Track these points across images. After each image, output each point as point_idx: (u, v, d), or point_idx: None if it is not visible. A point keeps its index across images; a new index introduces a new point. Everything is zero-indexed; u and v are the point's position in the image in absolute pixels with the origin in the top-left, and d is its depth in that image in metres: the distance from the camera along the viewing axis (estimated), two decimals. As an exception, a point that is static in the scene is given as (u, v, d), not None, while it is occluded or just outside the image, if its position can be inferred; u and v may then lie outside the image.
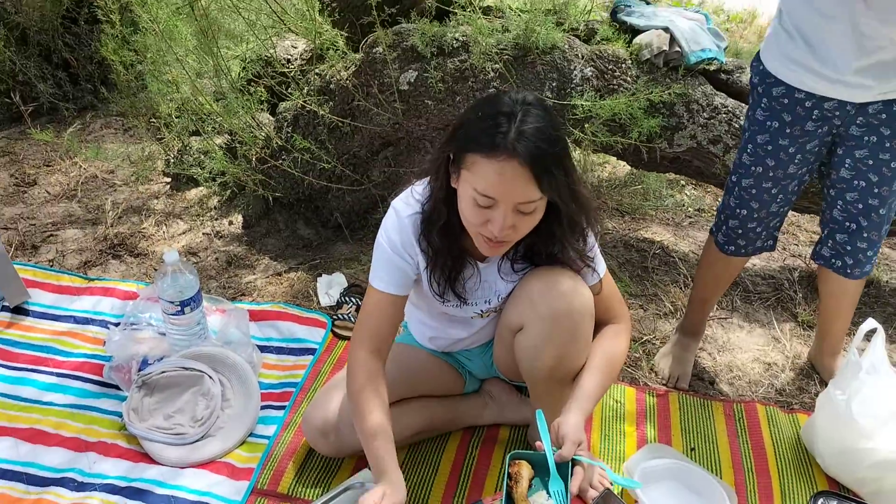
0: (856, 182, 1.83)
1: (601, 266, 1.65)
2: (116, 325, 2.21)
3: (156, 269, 2.55)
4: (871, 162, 1.79)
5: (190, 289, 1.98)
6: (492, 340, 1.84)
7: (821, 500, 1.69)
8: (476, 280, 1.64)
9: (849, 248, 1.93)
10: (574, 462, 1.47)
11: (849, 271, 1.96)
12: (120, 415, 1.92)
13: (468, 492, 1.79)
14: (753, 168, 1.90)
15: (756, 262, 2.75)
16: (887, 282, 2.71)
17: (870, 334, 1.86)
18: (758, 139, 1.87)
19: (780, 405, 2.11)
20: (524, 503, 1.46)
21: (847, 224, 1.90)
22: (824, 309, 2.13)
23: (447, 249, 1.57)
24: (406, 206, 1.59)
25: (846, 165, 1.83)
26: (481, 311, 1.70)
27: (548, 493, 1.47)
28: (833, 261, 1.98)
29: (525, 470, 1.50)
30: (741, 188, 1.94)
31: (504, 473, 1.49)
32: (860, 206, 1.86)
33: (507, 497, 1.47)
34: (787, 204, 1.96)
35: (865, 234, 1.89)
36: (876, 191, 1.82)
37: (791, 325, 2.45)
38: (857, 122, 1.77)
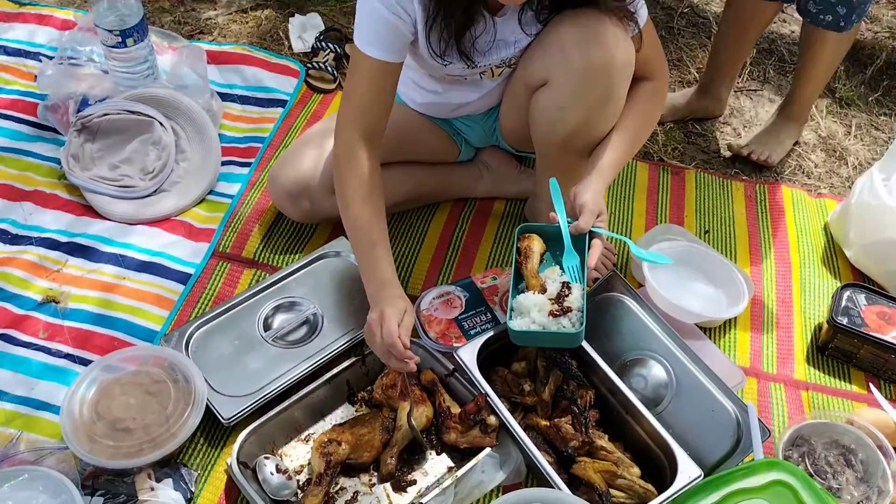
0: None
1: (643, 12, 1.32)
2: (51, 59, 1.88)
3: (98, -3, 2.16)
4: None
5: (133, 16, 1.63)
6: (499, 105, 1.54)
7: (847, 293, 1.51)
8: (489, 37, 1.31)
9: None
10: (592, 235, 1.26)
11: (842, 24, 1.69)
12: (59, 161, 1.66)
13: (455, 268, 1.59)
14: None
15: (795, 28, 2.40)
16: (940, 59, 2.38)
17: (935, 112, 1.59)
18: None
19: (807, 188, 1.89)
20: (535, 279, 1.27)
21: None
22: (799, 68, 1.87)
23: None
24: None
25: None
26: (492, 66, 1.39)
27: (561, 268, 1.28)
28: (820, 16, 1.69)
29: (536, 244, 1.29)
30: None
31: (513, 248, 1.29)
32: None
33: (515, 273, 1.27)
34: None
35: None
36: None
37: (827, 101, 2.17)
38: None
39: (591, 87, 1.28)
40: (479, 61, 1.34)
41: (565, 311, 1.22)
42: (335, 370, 1.33)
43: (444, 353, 1.36)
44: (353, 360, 1.35)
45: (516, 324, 1.23)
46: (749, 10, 1.84)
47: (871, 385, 1.44)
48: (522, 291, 1.27)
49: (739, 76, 2.22)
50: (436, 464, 1.29)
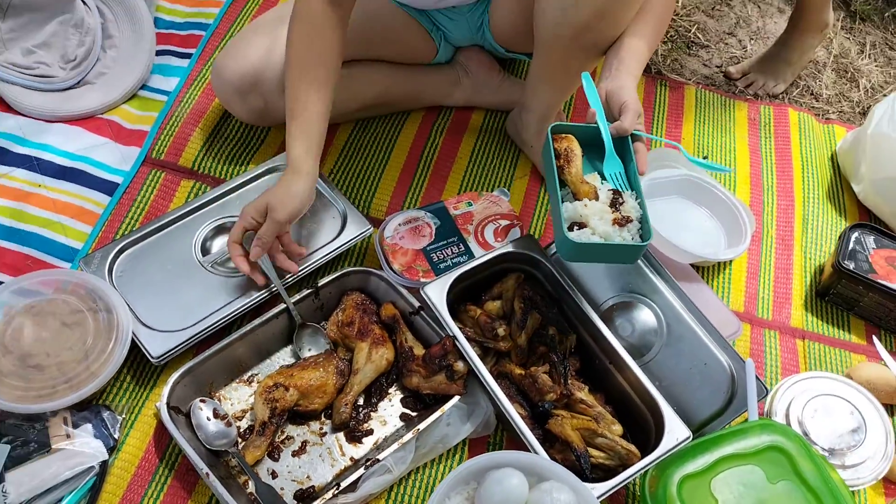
0: None
1: None
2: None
3: None
4: None
5: None
6: None
7: (856, 235, 1.38)
8: None
9: None
10: (634, 138, 1.09)
11: None
12: (-38, 43, 1.41)
13: (425, 190, 1.41)
14: None
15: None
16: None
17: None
18: None
19: (815, 112, 1.72)
20: (585, 185, 1.08)
21: None
22: None
23: None
24: None
25: None
26: None
27: (602, 176, 1.10)
28: None
29: (576, 146, 1.10)
30: None
31: (550, 150, 1.09)
32: None
33: (554, 180, 1.07)
34: None
35: None
36: None
37: (842, 14, 1.97)
38: None
39: None
40: None
41: (626, 221, 1.05)
42: (283, 305, 1.16)
43: (408, 289, 1.20)
44: (306, 292, 1.18)
45: (575, 235, 1.04)
46: None
47: (873, 337, 1.33)
48: (566, 201, 1.09)
49: (748, -19, 2.00)
50: (393, 413, 1.15)
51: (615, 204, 1.07)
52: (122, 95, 1.41)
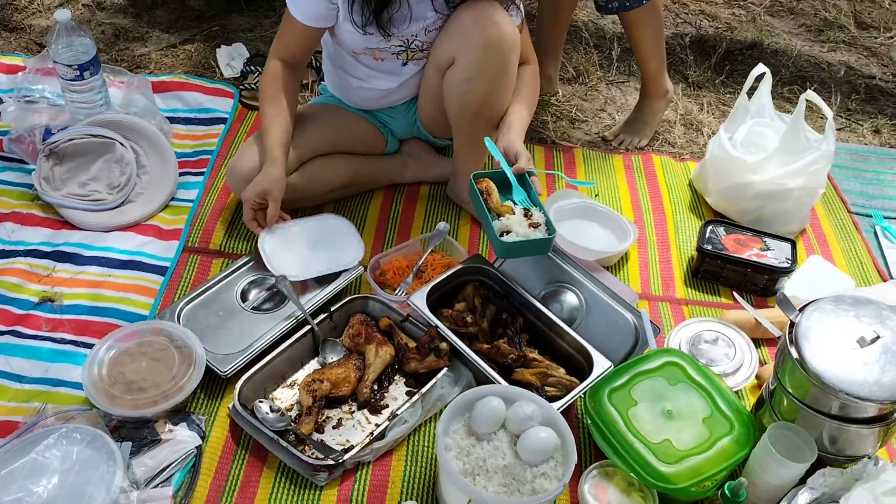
0: None
1: (521, 9, 1.68)
2: (2, 102, 2.06)
3: (36, 43, 2.35)
4: None
5: (87, 52, 1.85)
6: (416, 97, 1.86)
7: (710, 227, 1.90)
8: (405, 12, 1.62)
9: None
10: (529, 174, 1.60)
11: (627, 4, 2.05)
12: (29, 186, 1.85)
13: (395, 240, 1.89)
14: None
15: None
16: (768, 44, 2.88)
17: (758, 79, 2.01)
18: None
19: (672, 155, 2.29)
20: (504, 206, 1.57)
21: None
22: (635, 51, 2.23)
23: None
24: None
25: None
26: (407, 44, 1.70)
27: (513, 202, 1.59)
28: (608, 5, 2.06)
29: (491, 184, 1.59)
30: None
31: (475, 190, 1.57)
32: None
33: (482, 210, 1.55)
34: None
35: None
36: None
37: (682, 85, 2.60)
38: None
39: (490, 59, 1.62)
40: (395, 33, 1.65)
41: (537, 225, 1.54)
42: (308, 327, 1.58)
43: (396, 305, 1.64)
44: (323, 316, 1.61)
45: (506, 238, 1.51)
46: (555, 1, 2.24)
47: (734, 294, 1.82)
48: (494, 220, 1.55)
49: (608, 71, 2.63)
50: (400, 392, 1.56)
51: (527, 215, 1.57)
52: (158, 207, 1.86)
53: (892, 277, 1.94)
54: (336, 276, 1.67)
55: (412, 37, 1.68)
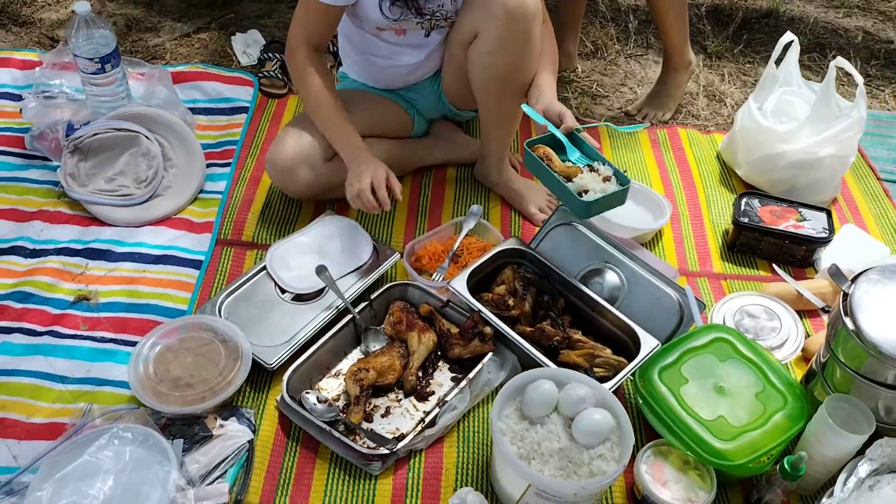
0: None
1: None
2: (20, 98, 2.03)
3: (48, 37, 2.31)
4: None
5: (108, 44, 1.82)
6: (440, 71, 1.84)
7: (745, 200, 1.88)
8: None
9: None
10: (577, 131, 1.59)
11: None
12: (55, 183, 1.82)
13: (427, 225, 1.87)
14: None
15: None
16: (784, 11, 2.85)
17: (786, 48, 1.98)
18: None
19: (697, 128, 2.27)
20: (570, 168, 1.56)
21: None
22: (657, 25, 2.21)
23: None
24: None
25: None
26: (432, 13, 1.66)
27: (571, 162, 1.58)
28: None
29: (549, 150, 1.58)
30: None
31: (534, 158, 1.56)
32: None
33: (550, 173, 1.54)
34: None
35: None
36: None
37: (702, 56, 2.57)
38: None
39: (514, 30, 1.60)
40: (427, 7, 1.63)
41: (608, 178, 1.53)
42: (349, 316, 1.57)
43: (436, 291, 1.63)
44: (363, 305, 1.59)
45: (587, 197, 1.50)
46: None
47: (773, 266, 1.81)
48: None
49: (626, 44, 2.60)
50: (445, 378, 1.55)
51: (594, 171, 1.55)
52: (187, 200, 1.84)
53: (926, 243, 1.92)
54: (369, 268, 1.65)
55: (438, 6, 1.65)
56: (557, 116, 1.59)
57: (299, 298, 1.61)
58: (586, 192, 1.52)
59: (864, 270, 1.41)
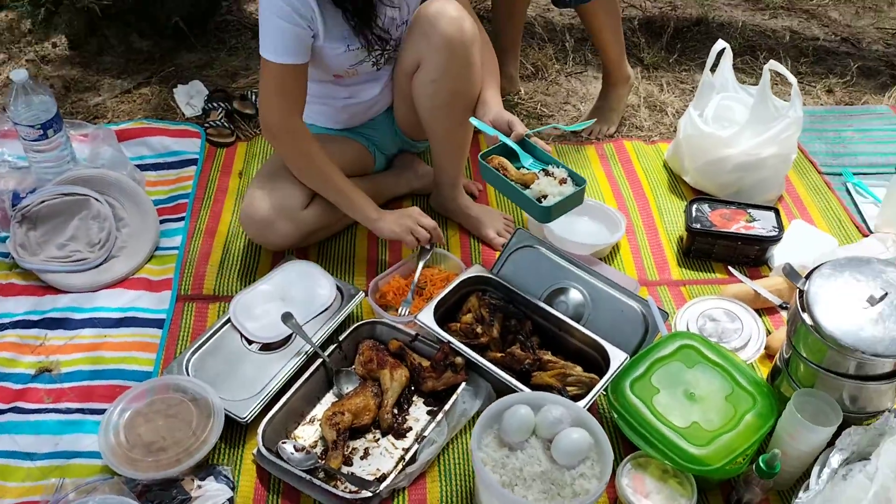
0: None
1: None
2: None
3: (-14, 105, 2.27)
4: None
5: (48, 109, 1.79)
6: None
7: (695, 206, 1.92)
8: (383, 12, 1.63)
9: None
10: (527, 137, 1.62)
11: None
12: (5, 255, 1.79)
13: (389, 260, 1.87)
14: None
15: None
16: (713, 18, 2.94)
17: (720, 55, 2.05)
18: None
19: (642, 139, 2.32)
20: (527, 175, 1.58)
21: None
22: (594, 41, 2.28)
23: None
24: None
25: None
26: (382, 46, 1.69)
27: (526, 169, 1.61)
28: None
29: (503, 159, 1.60)
30: None
31: (490, 169, 1.58)
32: None
33: (506, 182, 1.56)
34: None
35: None
36: None
37: (639, 68, 2.64)
38: None
39: (454, 56, 1.63)
40: (380, 36, 1.65)
41: (564, 181, 1.56)
42: (319, 360, 1.56)
43: (404, 325, 1.63)
44: (332, 347, 1.59)
45: (547, 202, 1.52)
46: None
47: (729, 268, 1.85)
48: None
49: (565, 63, 2.65)
50: (421, 412, 1.55)
51: (550, 174, 1.57)
52: (143, 259, 1.81)
53: (871, 232, 1.99)
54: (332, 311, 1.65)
55: (388, 36, 1.68)
56: (507, 125, 1.62)
57: (267, 348, 1.60)
58: (545, 196, 1.55)
59: (817, 266, 1.45)
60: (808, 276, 1.42)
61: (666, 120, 2.41)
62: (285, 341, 1.61)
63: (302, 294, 1.67)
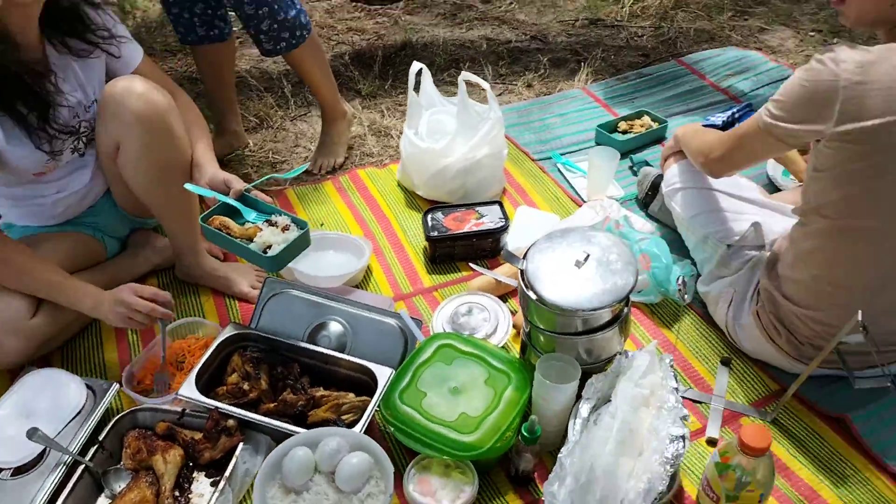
0: None
1: (136, 53, 1.74)
2: None
3: None
4: None
5: None
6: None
7: (429, 215, 2.05)
8: (63, 102, 1.57)
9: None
10: (247, 191, 1.64)
11: (293, 42, 2.19)
12: None
13: (141, 344, 1.80)
14: None
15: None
16: (416, 40, 3.15)
17: (419, 75, 2.21)
18: None
19: (374, 165, 2.43)
20: (249, 230, 1.60)
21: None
22: (306, 83, 2.38)
23: (7, 81, 1.46)
24: None
25: None
26: (76, 132, 1.63)
27: (251, 223, 1.62)
28: (275, 48, 2.19)
29: (224, 218, 1.61)
30: None
31: (213, 231, 1.59)
32: None
33: (231, 241, 1.57)
34: None
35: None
36: None
37: (359, 99, 2.76)
38: None
39: (152, 132, 1.63)
40: (62, 129, 1.59)
41: (287, 228, 1.60)
42: (81, 467, 1.47)
43: (168, 404, 1.58)
44: (94, 449, 1.50)
45: (272, 251, 1.55)
46: (213, 55, 2.32)
47: (470, 264, 1.99)
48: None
49: (287, 108, 2.71)
50: (205, 486, 1.51)
51: (273, 224, 1.61)
52: None
53: (585, 201, 2.24)
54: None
55: (77, 122, 1.63)
56: (223, 183, 1.63)
57: (20, 471, 1.47)
58: (270, 247, 1.58)
59: (533, 243, 1.61)
60: (525, 256, 1.57)
61: (392, 143, 2.54)
62: (40, 458, 1.49)
63: (48, 404, 1.55)
